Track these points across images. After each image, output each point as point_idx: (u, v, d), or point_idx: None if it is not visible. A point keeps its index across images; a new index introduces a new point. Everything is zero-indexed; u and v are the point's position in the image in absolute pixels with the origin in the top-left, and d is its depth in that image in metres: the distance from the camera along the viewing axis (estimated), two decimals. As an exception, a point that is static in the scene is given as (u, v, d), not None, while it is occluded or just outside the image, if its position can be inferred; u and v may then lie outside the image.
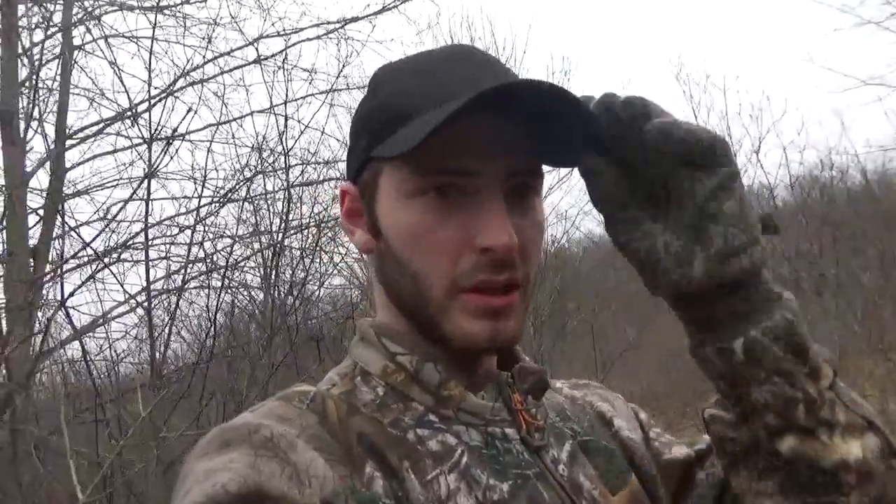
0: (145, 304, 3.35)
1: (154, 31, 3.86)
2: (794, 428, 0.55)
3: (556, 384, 0.74)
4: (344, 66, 4.54)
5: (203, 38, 4.42)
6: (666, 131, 0.54)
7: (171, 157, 4.07)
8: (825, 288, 5.80)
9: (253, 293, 5.14)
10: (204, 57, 4.38)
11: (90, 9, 4.37)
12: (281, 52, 4.44)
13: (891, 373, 5.10)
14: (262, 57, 4.32)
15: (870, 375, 6.18)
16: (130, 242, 3.99)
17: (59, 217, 4.00)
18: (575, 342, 8.12)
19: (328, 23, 4.59)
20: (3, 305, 3.39)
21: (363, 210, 0.64)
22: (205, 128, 4.28)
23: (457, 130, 0.55)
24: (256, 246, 4.47)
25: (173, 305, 3.77)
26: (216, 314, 4.12)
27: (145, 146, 3.64)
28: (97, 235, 4.04)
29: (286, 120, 4.08)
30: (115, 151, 4.45)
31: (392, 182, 0.61)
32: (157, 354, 3.42)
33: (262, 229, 4.45)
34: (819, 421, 0.55)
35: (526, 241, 0.60)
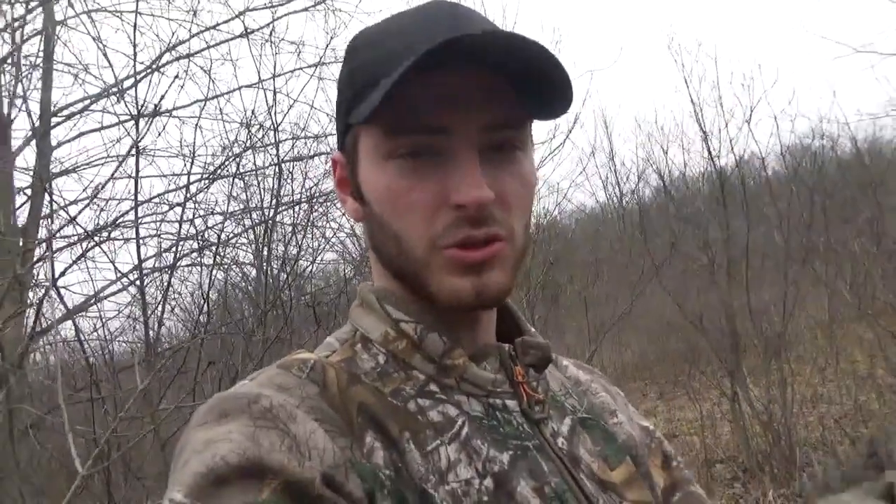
0: (137, 282, 3.33)
1: (137, 5, 3.79)
2: None
3: (563, 362, 0.74)
4: (332, 38, 4.48)
5: (188, 12, 4.35)
6: None
7: (160, 134, 4.03)
8: (815, 255, 5.83)
9: (245, 270, 5.14)
10: (189, 31, 4.31)
11: (71, -18, 4.29)
12: (268, 24, 4.37)
13: (880, 338, 5.16)
14: (248, 30, 4.26)
15: (860, 341, 6.25)
16: (120, 220, 3.97)
17: (46, 196, 3.97)
18: (567, 313, 8.17)
19: (315, -6, 4.52)
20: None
21: (349, 177, 0.64)
22: (192, 103, 4.23)
23: (425, 87, 0.54)
24: (248, 222, 4.45)
25: (165, 283, 3.75)
26: (209, 291, 4.12)
27: (132, 122, 3.59)
28: (83, 211, 4.01)
29: (275, 94, 4.03)
30: (101, 128, 4.41)
31: (368, 146, 0.60)
32: (151, 332, 3.42)
33: (253, 205, 4.42)
34: None
35: (506, 193, 0.59)
